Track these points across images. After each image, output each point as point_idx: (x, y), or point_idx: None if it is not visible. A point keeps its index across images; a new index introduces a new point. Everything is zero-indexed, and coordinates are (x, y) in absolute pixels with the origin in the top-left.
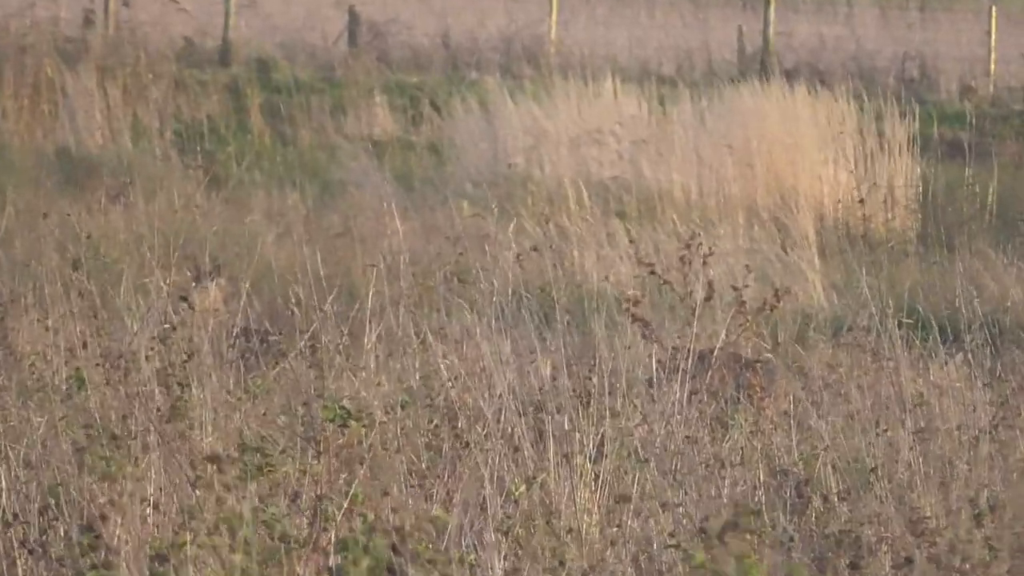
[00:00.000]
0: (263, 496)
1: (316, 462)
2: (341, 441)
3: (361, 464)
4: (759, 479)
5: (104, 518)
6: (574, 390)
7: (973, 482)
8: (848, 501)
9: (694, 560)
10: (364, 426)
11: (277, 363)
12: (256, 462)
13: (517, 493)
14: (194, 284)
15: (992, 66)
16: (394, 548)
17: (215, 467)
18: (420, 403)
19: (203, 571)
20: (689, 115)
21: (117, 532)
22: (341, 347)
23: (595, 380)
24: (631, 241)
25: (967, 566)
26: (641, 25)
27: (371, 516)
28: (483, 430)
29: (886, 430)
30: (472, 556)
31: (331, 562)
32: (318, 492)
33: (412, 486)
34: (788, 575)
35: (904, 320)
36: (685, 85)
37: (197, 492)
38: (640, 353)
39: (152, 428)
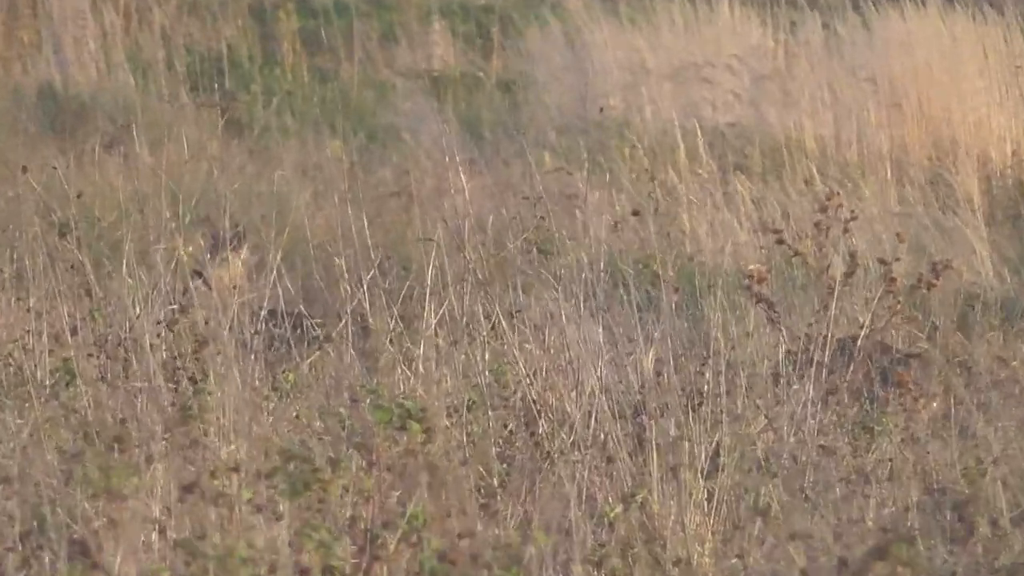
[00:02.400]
0: (301, 518)
1: (365, 475)
2: (397, 450)
3: (418, 478)
4: (911, 499)
5: (99, 544)
6: (683, 388)
7: None
8: (1022, 527)
9: None
10: (425, 431)
11: (313, 353)
12: (298, 474)
13: (611, 515)
14: (210, 255)
15: None
16: None
17: (238, 480)
18: (491, 403)
19: None
20: (822, 45)
21: (116, 561)
22: (393, 334)
23: (708, 376)
24: (753, 203)
25: None
26: None
27: (435, 542)
28: (569, 437)
29: None
30: None
31: None
32: (368, 512)
33: (482, 505)
34: None
35: None
36: (817, 8)
37: (215, 512)
38: (765, 342)
39: (158, 433)
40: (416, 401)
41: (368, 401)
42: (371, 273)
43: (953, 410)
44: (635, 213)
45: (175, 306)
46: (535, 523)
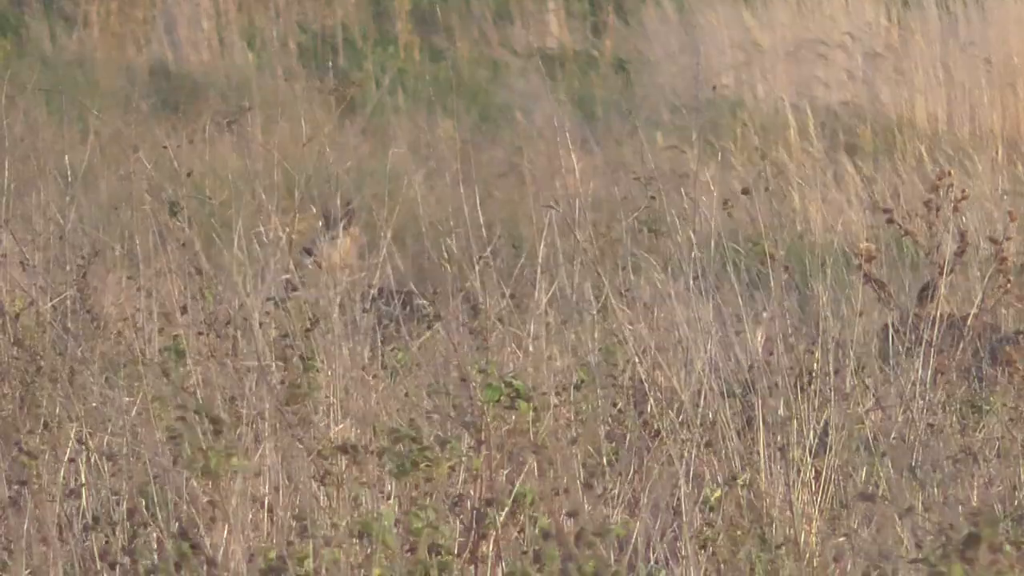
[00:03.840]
0: (409, 496)
1: (474, 454)
2: (506, 429)
3: (531, 457)
4: (1020, 478)
5: (209, 523)
6: (791, 367)
7: None
8: None
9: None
10: (534, 409)
11: (424, 332)
12: (407, 453)
13: (718, 495)
14: (322, 234)
15: None
16: (570, 558)
17: (349, 460)
18: (600, 382)
19: None
20: (937, 23)
21: (222, 540)
22: (503, 312)
23: (818, 355)
24: (864, 181)
25: None
26: None
27: (542, 521)
28: (678, 416)
29: None
30: (664, 573)
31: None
32: (477, 491)
33: (590, 484)
34: None
35: None
36: None
37: (323, 491)
38: (874, 321)
39: (267, 412)
40: (525, 380)
41: (478, 380)
42: (482, 252)
43: None
44: (744, 192)
45: (287, 284)
46: (642, 503)
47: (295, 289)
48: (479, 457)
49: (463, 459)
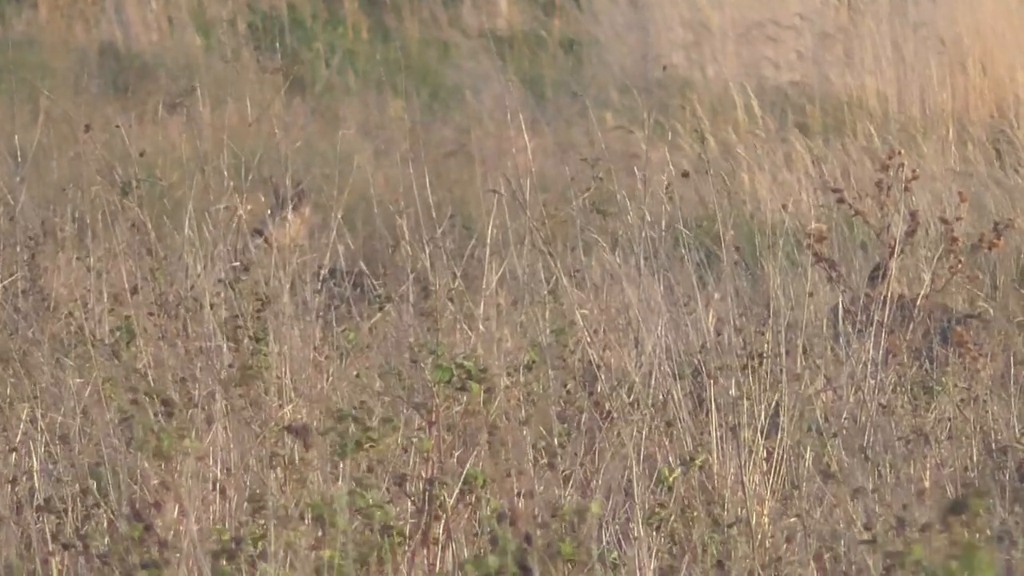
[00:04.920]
0: (359, 478)
1: (425, 435)
2: (456, 410)
3: (478, 438)
4: (972, 458)
5: (158, 505)
6: (742, 348)
7: None
8: None
9: (908, 556)
10: (485, 390)
11: (375, 312)
12: (353, 434)
13: (671, 476)
14: (272, 214)
15: None
16: (528, 540)
17: (298, 441)
18: (551, 363)
19: (281, 571)
20: (887, 4)
21: (173, 522)
22: (454, 293)
23: (769, 335)
24: (814, 162)
25: None
26: None
27: (493, 502)
28: (629, 397)
29: None
30: (616, 553)
31: (442, 558)
32: (428, 472)
33: (541, 466)
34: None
35: None
36: None
37: (274, 472)
38: (825, 302)
39: (218, 393)
40: (476, 361)
41: (428, 361)
42: (433, 233)
43: (1013, 369)
44: (685, 174)
45: (237, 264)
46: (594, 484)
47: (246, 269)
48: (430, 438)
49: (414, 440)
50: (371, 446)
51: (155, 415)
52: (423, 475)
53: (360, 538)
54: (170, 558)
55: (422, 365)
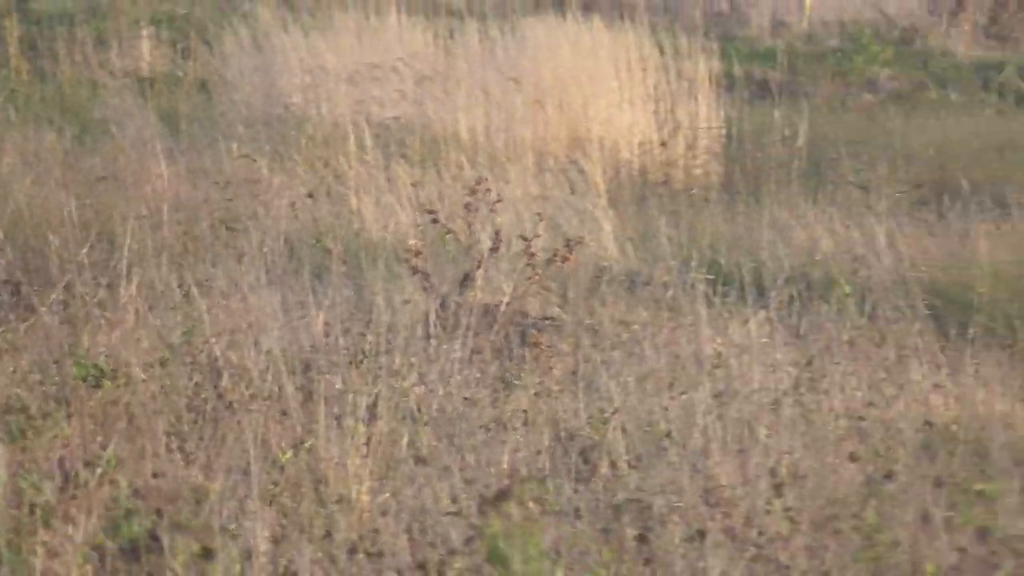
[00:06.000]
0: (19, 463)
1: (67, 424)
2: (95, 401)
3: (117, 426)
4: (544, 443)
5: None
6: (348, 347)
7: (773, 449)
8: (639, 468)
9: (484, 529)
10: (120, 385)
11: (28, 316)
12: (17, 424)
13: (284, 458)
14: None
15: None
16: (159, 514)
17: None
18: (182, 360)
19: None
20: (477, 49)
21: None
22: (98, 300)
23: (370, 337)
24: (413, 187)
25: (764, 539)
26: None
27: (128, 482)
28: (248, 389)
29: (682, 392)
30: (234, 526)
31: (83, 532)
32: (69, 456)
33: (172, 450)
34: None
35: (705, 274)
36: (474, 16)
37: None
38: (420, 308)
39: None
40: (115, 359)
41: (71, 360)
42: (80, 248)
43: (581, 367)
44: (309, 196)
45: None
46: (217, 465)
47: None
48: (71, 426)
49: (60, 429)
50: (35, 434)
51: None
52: (62, 458)
53: (10, 515)
54: None
55: (66, 364)
